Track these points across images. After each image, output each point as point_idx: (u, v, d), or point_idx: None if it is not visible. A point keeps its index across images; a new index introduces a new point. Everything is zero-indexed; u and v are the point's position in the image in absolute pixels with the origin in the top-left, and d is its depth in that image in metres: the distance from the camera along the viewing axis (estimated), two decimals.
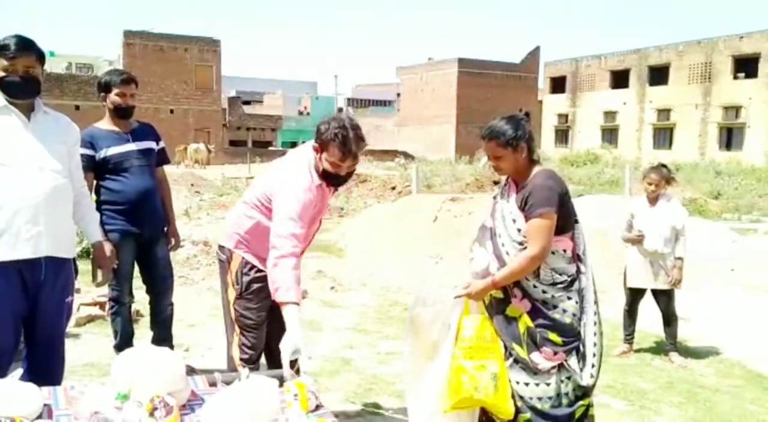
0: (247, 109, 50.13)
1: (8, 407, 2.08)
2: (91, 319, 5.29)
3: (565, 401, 2.84)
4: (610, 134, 42.46)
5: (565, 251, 2.86)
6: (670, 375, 4.94)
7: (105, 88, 4.01)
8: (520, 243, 2.83)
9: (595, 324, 2.90)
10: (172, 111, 38.91)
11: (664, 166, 5.45)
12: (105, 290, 4.47)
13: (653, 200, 5.32)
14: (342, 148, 2.89)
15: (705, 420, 4.07)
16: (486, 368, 2.78)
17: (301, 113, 56.95)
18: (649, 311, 5.59)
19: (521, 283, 2.83)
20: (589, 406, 2.94)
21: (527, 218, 2.80)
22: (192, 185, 18.80)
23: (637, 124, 41.15)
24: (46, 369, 2.76)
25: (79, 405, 2.19)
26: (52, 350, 2.91)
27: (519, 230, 2.83)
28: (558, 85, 46.43)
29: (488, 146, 2.91)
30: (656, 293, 5.39)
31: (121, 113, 4.03)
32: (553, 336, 2.80)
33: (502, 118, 2.93)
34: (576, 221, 2.92)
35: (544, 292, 2.82)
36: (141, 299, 4.81)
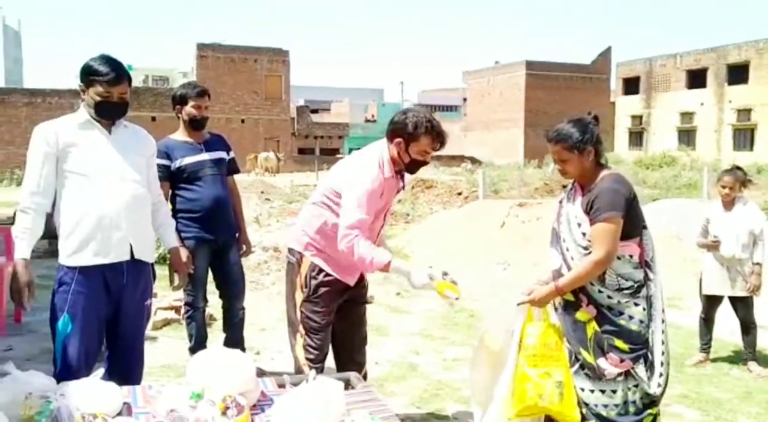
0: (314, 117, 50.88)
1: (91, 404, 2.22)
2: (167, 323, 5.51)
3: (632, 409, 2.78)
4: (687, 136, 40.99)
5: (631, 256, 2.80)
6: (748, 384, 4.75)
7: (181, 101, 4.20)
8: (585, 248, 2.79)
9: (662, 332, 2.84)
10: (243, 121, 39.93)
11: (738, 168, 5.26)
12: (180, 294, 4.65)
13: (728, 204, 5.14)
14: (436, 137, 3.15)
15: None
16: (551, 375, 2.76)
17: (368, 120, 57.28)
18: (727, 319, 5.40)
19: (586, 288, 2.80)
20: (656, 415, 2.87)
21: (592, 222, 2.76)
22: (262, 192, 19.24)
23: (715, 125, 39.59)
24: (126, 369, 2.90)
25: (156, 404, 2.31)
26: (133, 351, 3.06)
27: (584, 234, 2.81)
28: (631, 86, 45.18)
29: (554, 149, 2.89)
30: (734, 300, 5.20)
31: (195, 125, 4.21)
32: (620, 343, 2.76)
33: (569, 120, 2.91)
34: (644, 227, 2.87)
35: (609, 298, 2.78)
36: (214, 304, 4.97)
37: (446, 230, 11.21)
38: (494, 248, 9.67)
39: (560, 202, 3.05)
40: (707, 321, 5.33)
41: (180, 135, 4.25)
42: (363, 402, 2.45)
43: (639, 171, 26.82)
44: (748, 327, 5.19)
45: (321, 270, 3.24)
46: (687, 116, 41.26)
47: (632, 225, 2.79)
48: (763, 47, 37.26)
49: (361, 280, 3.47)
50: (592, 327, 2.80)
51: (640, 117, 44.25)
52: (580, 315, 2.83)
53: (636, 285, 2.80)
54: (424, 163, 3.24)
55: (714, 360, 5.29)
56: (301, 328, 3.27)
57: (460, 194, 18.67)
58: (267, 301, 6.81)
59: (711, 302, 5.30)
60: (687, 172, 25.16)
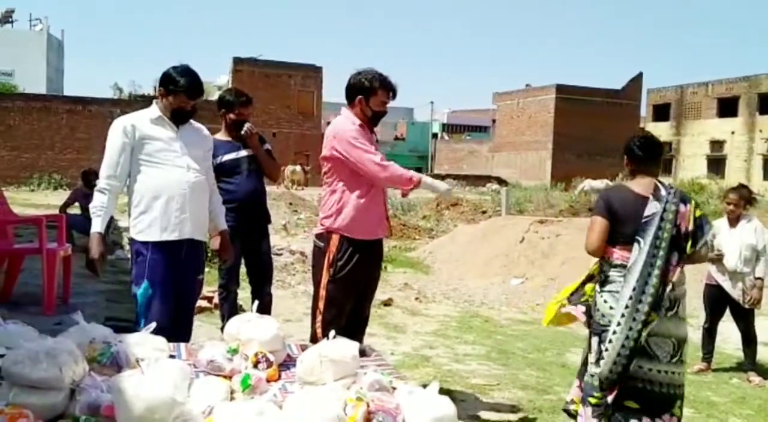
0: None
1: (143, 351, 2.61)
2: (200, 310, 5.94)
3: (595, 381, 3.29)
4: (716, 164, 40.76)
5: (608, 257, 3.35)
6: (745, 391, 4.98)
7: (227, 106, 4.65)
8: None
9: (627, 336, 3.16)
10: (274, 134, 40.55)
11: (744, 187, 5.53)
12: (212, 287, 5.03)
13: (734, 220, 5.40)
14: (388, 87, 3.63)
15: None
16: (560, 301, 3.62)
17: (397, 138, 57.66)
18: (732, 334, 5.63)
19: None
20: (605, 408, 3.30)
21: None
22: (290, 204, 19.70)
23: (745, 154, 39.35)
24: (177, 330, 3.22)
25: (197, 356, 2.69)
26: (185, 317, 3.49)
27: None
28: (661, 112, 45.12)
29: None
30: (735, 313, 5.44)
31: (237, 129, 4.67)
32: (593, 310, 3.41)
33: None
34: (637, 241, 3.24)
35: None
36: (244, 298, 5.35)
37: (466, 243, 11.50)
38: (512, 261, 9.95)
39: None
40: (710, 332, 5.57)
41: (222, 135, 4.70)
42: (375, 365, 2.80)
43: None
44: (749, 339, 5.42)
45: (348, 249, 3.57)
46: (717, 144, 41.07)
47: (611, 235, 3.30)
48: None
49: (378, 263, 3.83)
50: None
51: (670, 144, 44.10)
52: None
53: (603, 278, 3.34)
54: (384, 113, 3.71)
55: (716, 370, 5.52)
56: (321, 305, 3.63)
57: (484, 212, 18.89)
58: (293, 298, 7.20)
59: (714, 314, 5.55)
60: (714, 200, 25.08)
